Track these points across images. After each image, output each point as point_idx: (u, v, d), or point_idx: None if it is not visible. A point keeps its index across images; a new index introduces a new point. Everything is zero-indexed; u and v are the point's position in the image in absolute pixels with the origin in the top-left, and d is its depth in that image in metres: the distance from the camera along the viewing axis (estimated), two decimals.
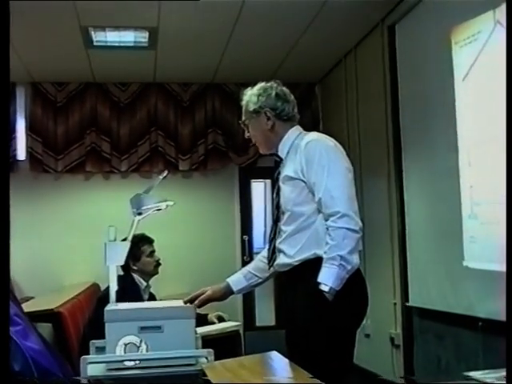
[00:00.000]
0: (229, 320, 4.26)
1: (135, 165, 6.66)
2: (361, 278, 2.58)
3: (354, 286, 2.50)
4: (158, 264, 4.23)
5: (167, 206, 2.78)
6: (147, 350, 2.33)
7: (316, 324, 2.46)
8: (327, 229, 2.47)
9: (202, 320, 3.92)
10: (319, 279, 2.42)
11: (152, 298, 4.25)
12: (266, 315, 7.02)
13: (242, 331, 6.19)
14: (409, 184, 4.77)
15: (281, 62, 6.18)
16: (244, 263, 6.94)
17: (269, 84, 2.76)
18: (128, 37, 5.36)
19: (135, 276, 4.11)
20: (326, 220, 2.48)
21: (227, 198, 7.00)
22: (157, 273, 4.24)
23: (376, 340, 5.51)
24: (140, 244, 4.12)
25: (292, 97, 2.79)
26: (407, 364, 4.86)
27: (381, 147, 5.22)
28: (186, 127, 6.79)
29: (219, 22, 5.01)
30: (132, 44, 5.50)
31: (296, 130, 2.76)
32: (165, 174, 2.83)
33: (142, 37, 5.37)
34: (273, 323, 7.03)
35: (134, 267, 4.09)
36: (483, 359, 3.58)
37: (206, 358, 2.33)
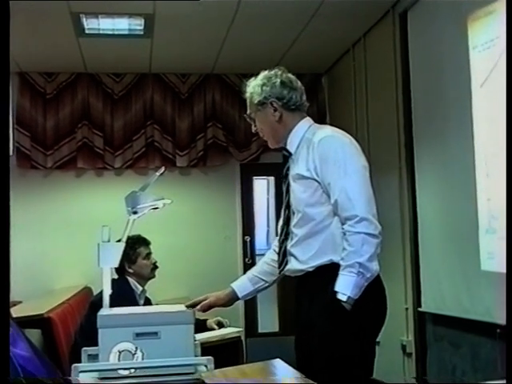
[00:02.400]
0: (229, 326, 4.26)
1: (130, 161, 6.66)
2: (380, 284, 2.55)
3: (374, 293, 2.48)
4: (154, 267, 4.23)
5: (164, 204, 2.78)
6: (143, 358, 2.33)
7: (334, 334, 2.44)
8: (344, 233, 2.43)
9: (201, 326, 3.93)
10: (336, 288, 2.39)
11: (148, 302, 4.25)
12: (268, 321, 7.03)
13: (243, 338, 6.21)
14: (422, 183, 4.76)
15: (285, 52, 6.17)
16: (246, 265, 6.94)
17: (272, 72, 2.72)
18: (122, 24, 5.36)
19: (130, 279, 4.11)
20: (343, 224, 2.44)
21: (228, 196, 7.01)
22: (153, 276, 4.25)
23: (386, 348, 5.49)
24: (136, 246, 4.13)
25: (299, 83, 2.74)
26: (420, 373, 4.86)
27: (392, 142, 5.22)
28: (183, 121, 6.79)
29: (219, 8, 5.01)
30: (126, 32, 5.50)
31: (306, 121, 2.70)
32: (162, 170, 2.83)
33: (137, 24, 5.37)
34: (276, 329, 7.04)
35: (130, 270, 4.10)
36: (501, 368, 3.57)
37: (206, 366, 2.33)
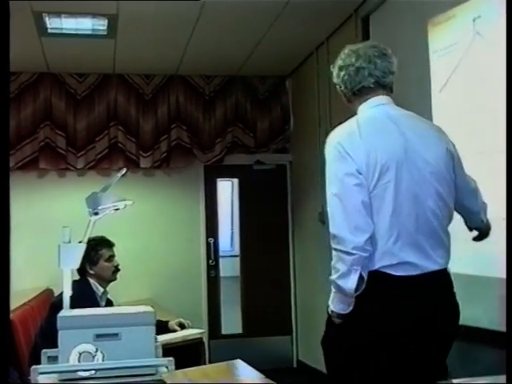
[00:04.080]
0: (191, 327, 4.26)
1: (93, 162, 6.61)
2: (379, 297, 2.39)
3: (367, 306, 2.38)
4: (116, 270, 4.21)
5: (125, 205, 2.78)
6: (103, 359, 2.32)
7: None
8: None
9: (162, 327, 3.92)
10: (329, 301, 2.46)
11: (109, 304, 4.23)
12: (232, 323, 7.04)
13: (206, 339, 6.20)
14: None
15: (249, 54, 6.20)
16: (209, 267, 6.95)
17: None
18: (85, 24, 5.32)
19: (92, 281, 4.08)
20: None
21: (191, 197, 7.00)
22: (115, 279, 4.22)
23: None
24: (98, 247, 4.10)
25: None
26: None
27: None
28: (147, 122, 6.77)
29: (183, 10, 5.01)
30: (90, 32, 5.46)
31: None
32: (123, 171, 2.83)
33: (101, 24, 5.33)
34: (240, 331, 7.05)
35: (91, 271, 4.07)
36: (462, 368, 3.62)
37: (167, 367, 2.34)
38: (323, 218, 5.98)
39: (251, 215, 7.18)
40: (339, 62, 2.61)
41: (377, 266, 2.34)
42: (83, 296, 3.67)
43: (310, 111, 6.33)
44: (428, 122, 2.57)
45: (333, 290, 2.39)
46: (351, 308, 2.37)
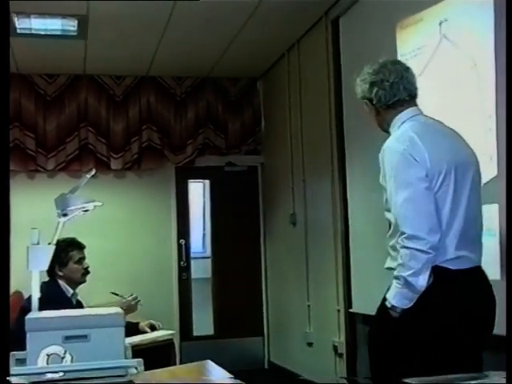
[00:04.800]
0: (162, 329, 4.25)
1: (63, 163, 6.57)
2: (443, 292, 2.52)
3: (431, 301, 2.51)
4: (86, 272, 4.18)
5: (95, 206, 2.77)
6: (72, 361, 2.32)
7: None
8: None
9: (133, 329, 3.91)
10: (387, 295, 2.55)
11: (79, 305, 4.20)
12: (204, 324, 7.04)
13: (177, 341, 6.20)
14: (353, 186, 4.86)
15: (221, 56, 6.21)
16: (180, 269, 6.95)
17: None
18: (55, 24, 5.29)
19: (61, 282, 4.06)
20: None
21: (163, 199, 6.98)
22: (84, 281, 4.20)
23: (319, 349, 5.60)
24: (69, 249, 4.08)
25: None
26: (350, 373, 4.95)
27: (325, 146, 5.31)
28: (118, 123, 6.74)
29: (154, 10, 5.00)
30: (59, 32, 5.43)
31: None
32: (92, 172, 2.82)
33: (71, 25, 5.31)
34: (211, 332, 7.06)
35: (60, 273, 4.05)
36: None
37: (136, 369, 2.33)
38: (294, 220, 6.02)
39: (223, 217, 7.19)
40: (371, 78, 2.72)
41: (437, 261, 2.49)
42: (54, 297, 3.65)
43: (281, 113, 6.36)
44: (452, 129, 2.73)
45: (398, 285, 2.49)
46: (413, 303, 2.49)
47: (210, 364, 2.42)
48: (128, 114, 6.77)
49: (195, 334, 7.00)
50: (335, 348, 5.20)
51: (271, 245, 6.98)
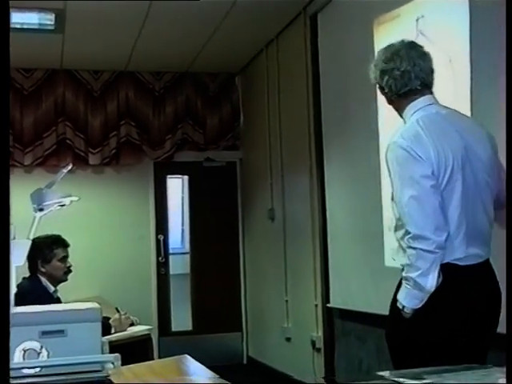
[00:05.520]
0: (139, 324, 4.25)
1: (40, 158, 6.53)
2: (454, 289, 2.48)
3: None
4: (68, 271, 4.18)
5: (71, 201, 2.76)
6: (48, 357, 2.31)
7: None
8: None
9: (110, 324, 3.90)
10: (398, 296, 2.49)
11: (58, 302, 4.19)
12: (182, 320, 7.04)
13: (156, 336, 6.20)
14: (331, 182, 4.89)
15: (199, 50, 6.19)
16: (159, 264, 6.94)
17: None
18: (32, 18, 5.25)
19: (42, 279, 4.04)
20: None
21: (141, 194, 6.97)
22: (66, 280, 4.19)
23: (297, 344, 5.62)
24: (54, 246, 4.07)
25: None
26: (328, 368, 4.98)
27: (303, 142, 5.32)
28: (96, 118, 6.71)
29: (133, 5, 4.98)
30: (36, 26, 5.38)
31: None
32: (69, 167, 2.80)
33: (48, 19, 5.27)
34: (190, 328, 7.06)
35: (42, 269, 4.03)
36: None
37: (113, 364, 2.32)
38: (273, 215, 6.04)
39: (201, 212, 7.18)
40: (382, 66, 2.60)
41: (446, 260, 2.44)
42: (34, 293, 3.64)
43: (260, 108, 6.36)
44: (471, 118, 2.63)
45: (407, 286, 2.42)
46: (423, 302, 2.44)
47: (188, 359, 2.43)
48: (106, 108, 6.74)
49: (174, 329, 6.99)
50: (313, 343, 5.23)
51: (250, 240, 7.00)
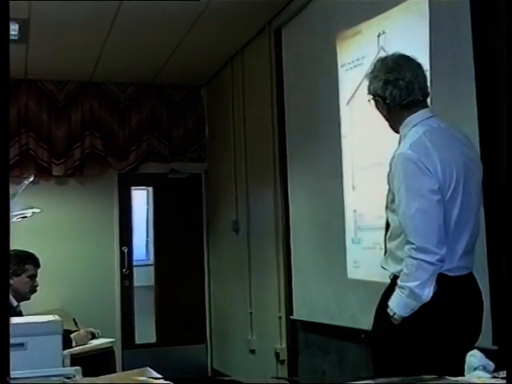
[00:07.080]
0: (102, 337, 4.22)
1: None
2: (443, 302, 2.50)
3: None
4: (34, 290, 4.16)
5: (33, 213, 2.75)
6: None
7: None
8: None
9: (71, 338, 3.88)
10: (389, 302, 2.49)
11: (20, 315, 4.14)
12: (146, 332, 7.00)
13: (119, 349, 6.16)
14: (294, 194, 4.93)
15: (164, 63, 6.21)
16: (123, 276, 6.90)
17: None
18: None
19: None
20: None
21: (105, 206, 6.93)
22: (28, 298, 4.17)
23: (261, 355, 5.63)
24: (28, 261, 4.06)
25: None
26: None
27: (267, 153, 5.36)
28: (60, 129, 6.66)
29: (97, 17, 4.98)
30: None
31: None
32: (31, 178, 2.80)
33: (12, 29, 5.22)
34: (153, 340, 7.02)
35: (11, 281, 3.99)
36: (366, 371, 3.74)
37: (74, 376, 2.32)
38: (237, 227, 6.05)
39: (166, 224, 7.17)
40: (385, 76, 2.58)
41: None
42: None
43: (225, 120, 6.39)
44: (464, 133, 2.67)
45: (401, 294, 2.45)
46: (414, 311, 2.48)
47: (149, 371, 2.43)
48: (70, 119, 6.70)
49: (137, 341, 6.95)
50: (277, 355, 5.24)
51: (214, 252, 7.00)
